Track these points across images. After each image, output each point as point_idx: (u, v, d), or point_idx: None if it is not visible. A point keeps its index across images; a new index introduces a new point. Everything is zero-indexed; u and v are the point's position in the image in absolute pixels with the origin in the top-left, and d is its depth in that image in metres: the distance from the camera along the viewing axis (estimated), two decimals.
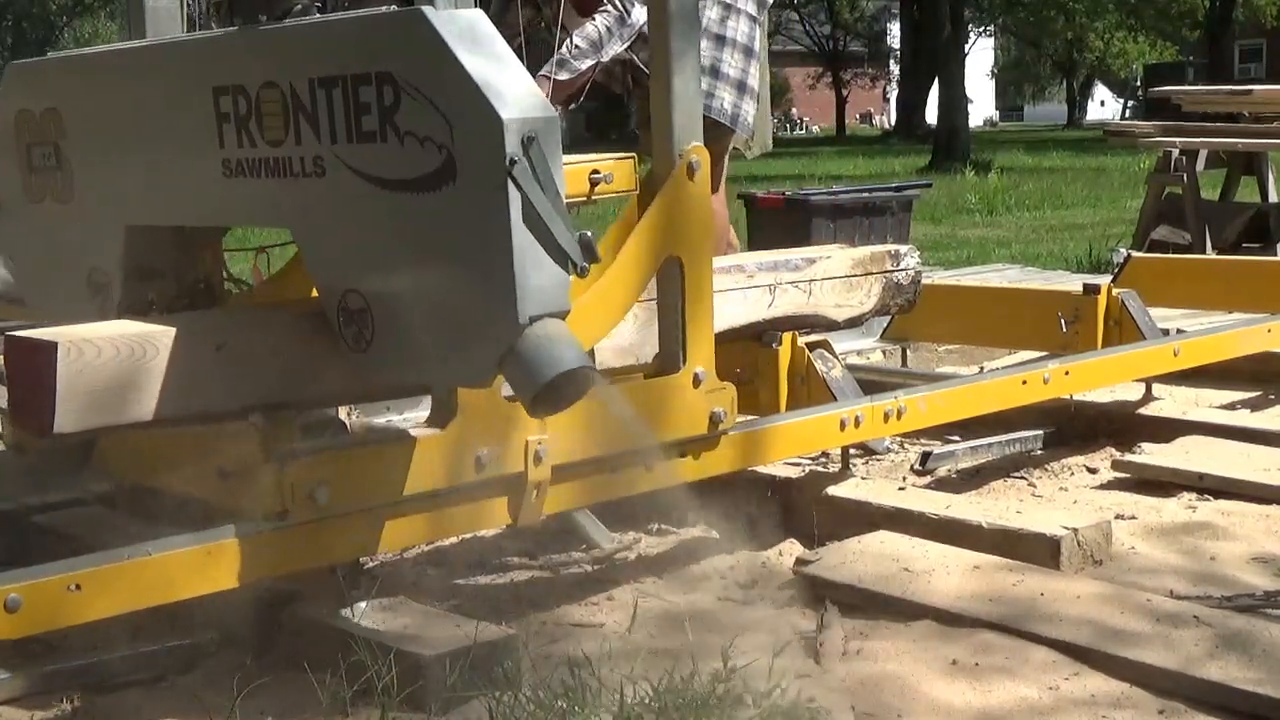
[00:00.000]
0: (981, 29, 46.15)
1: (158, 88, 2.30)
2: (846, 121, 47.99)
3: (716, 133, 4.35)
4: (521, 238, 1.83)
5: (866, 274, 3.23)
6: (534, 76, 4.02)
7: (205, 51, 2.26)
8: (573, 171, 2.70)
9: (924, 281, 3.41)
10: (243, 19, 2.17)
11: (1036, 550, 2.62)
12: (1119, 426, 3.71)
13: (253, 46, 2.14)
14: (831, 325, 3.21)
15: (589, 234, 1.87)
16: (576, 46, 4.12)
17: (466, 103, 1.84)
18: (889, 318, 3.96)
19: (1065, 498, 3.23)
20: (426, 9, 1.87)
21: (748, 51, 4.39)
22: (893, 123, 43.35)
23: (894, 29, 47.85)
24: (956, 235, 10.78)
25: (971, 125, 28.26)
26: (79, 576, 1.91)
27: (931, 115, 29.80)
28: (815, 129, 50.29)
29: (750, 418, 2.90)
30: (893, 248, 3.37)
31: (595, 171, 2.65)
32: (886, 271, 3.27)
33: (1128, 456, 3.35)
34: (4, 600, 1.84)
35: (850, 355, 4.31)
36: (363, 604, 2.25)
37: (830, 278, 3.16)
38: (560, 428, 2.25)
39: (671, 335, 2.49)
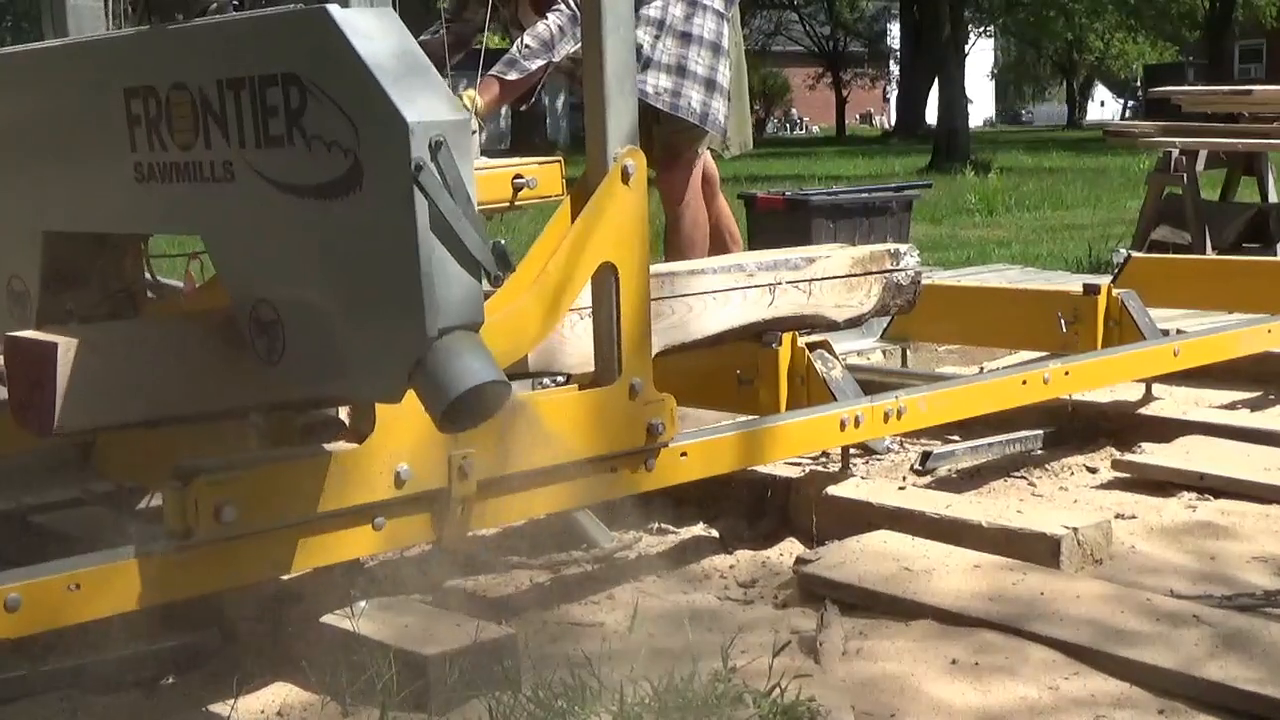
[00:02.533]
0: (981, 29, 46.13)
1: (71, 89, 2.23)
2: (846, 121, 47.98)
3: (689, 132, 4.33)
4: (429, 247, 1.76)
5: (866, 274, 3.23)
6: (484, 77, 3.99)
7: (116, 51, 2.18)
8: (495, 176, 2.68)
9: (924, 281, 3.41)
10: (159, 17, 2.10)
11: (1037, 550, 2.62)
12: (1119, 426, 3.71)
13: (161, 46, 2.06)
14: (831, 325, 3.21)
15: (503, 242, 1.81)
16: (527, 46, 4.04)
17: (371, 105, 1.77)
18: (889, 318, 3.96)
19: (1065, 497, 3.23)
20: (331, 7, 1.80)
21: (715, 49, 4.32)
22: (893, 123, 43.36)
23: (894, 29, 47.86)
24: (956, 235, 10.78)
25: (971, 125, 28.26)
26: (79, 576, 1.89)
27: (931, 115, 29.80)
28: (815, 129, 50.30)
29: (750, 418, 2.91)
30: (892, 247, 3.37)
31: (518, 176, 2.60)
32: (886, 271, 3.27)
33: (1128, 456, 3.35)
34: (4, 600, 1.83)
35: (850, 355, 4.30)
36: (363, 604, 2.24)
37: (830, 277, 3.16)
38: (488, 441, 2.17)
39: (606, 345, 2.41)
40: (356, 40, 1.77)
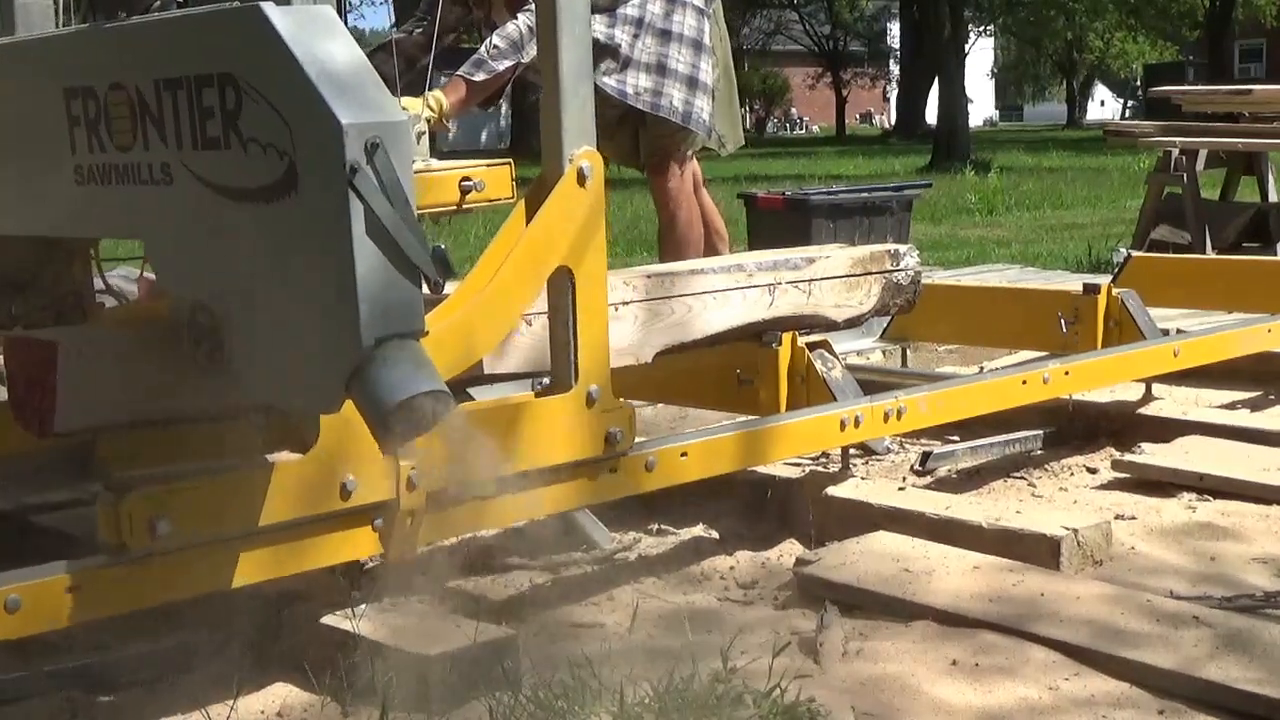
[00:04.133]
0: (981, 29, 46.13)
1: (11, 88, 2.19)
2: (846, 121, 48.00)
3: (675, 135, 4.28)
4: (365, 252, 1.71)
5: (866, 274, 3.23)
6: (451, 77, 3.95)
7: (56, 51, 2.14)
8: (441, 178, 2.65)
9: (924, 281, 3.41)
10: (104, 15, 2.05)
11: (1036, 550, 2.61)
12: (1119, 426, 3.71)
13: (100, 45, 2.02)
14: (831, 325, 3.21)
15: (444, 248, 1.79)
16: (495, 47, 3.98)
17: (305, 106, 1.72)
18: (889, 318, 3.96)
19: (1065, 498, 3.23)
20: (266, 5, 1.75)
21: (697, 46, 4.25)
22: (893, 123, 43.36)
23: (894, 29, 47.88)
24: (956, 235, 10.78)
25: (971, 125, 28.26)
26: (80, 576, 1.89)
27: (931, 115, 29.81)
28: (815, 129, 50.32)
29: (750, 418, 2.91)
30: (892, 247, 3.37)
31: (466, 179, 2.57)
32: (886, 271, 3.27)
33: (1128, 456, 3.35)
34: (4, 600, 1.83)
35: (850, 355, 4.30)
36: (363, 604, 2.24)
37: (830, 277, 3.16)
38: (438, 452, 2.10)
39: (562, 351, 2.34)
40: (291, 39, 1.73)
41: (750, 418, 2.91)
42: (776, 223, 7.22)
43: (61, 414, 1.97)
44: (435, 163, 2.84)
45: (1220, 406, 3.96)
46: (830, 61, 48.57)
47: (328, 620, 2.22)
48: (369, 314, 1.71)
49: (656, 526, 3.05)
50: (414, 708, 2.01)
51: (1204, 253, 7.15)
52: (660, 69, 4.19)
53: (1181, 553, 2.77)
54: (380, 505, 2.10)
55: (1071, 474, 3.43)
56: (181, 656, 2.28)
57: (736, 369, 3.07)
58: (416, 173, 2.83)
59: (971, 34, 41.51)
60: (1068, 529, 2.64)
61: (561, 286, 2.31)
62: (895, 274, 3.28)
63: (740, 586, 2.69)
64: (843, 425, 2.84)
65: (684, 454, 2.56)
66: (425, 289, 1.78)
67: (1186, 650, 2.15)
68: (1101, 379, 3.58)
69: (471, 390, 2.65)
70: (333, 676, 2.09)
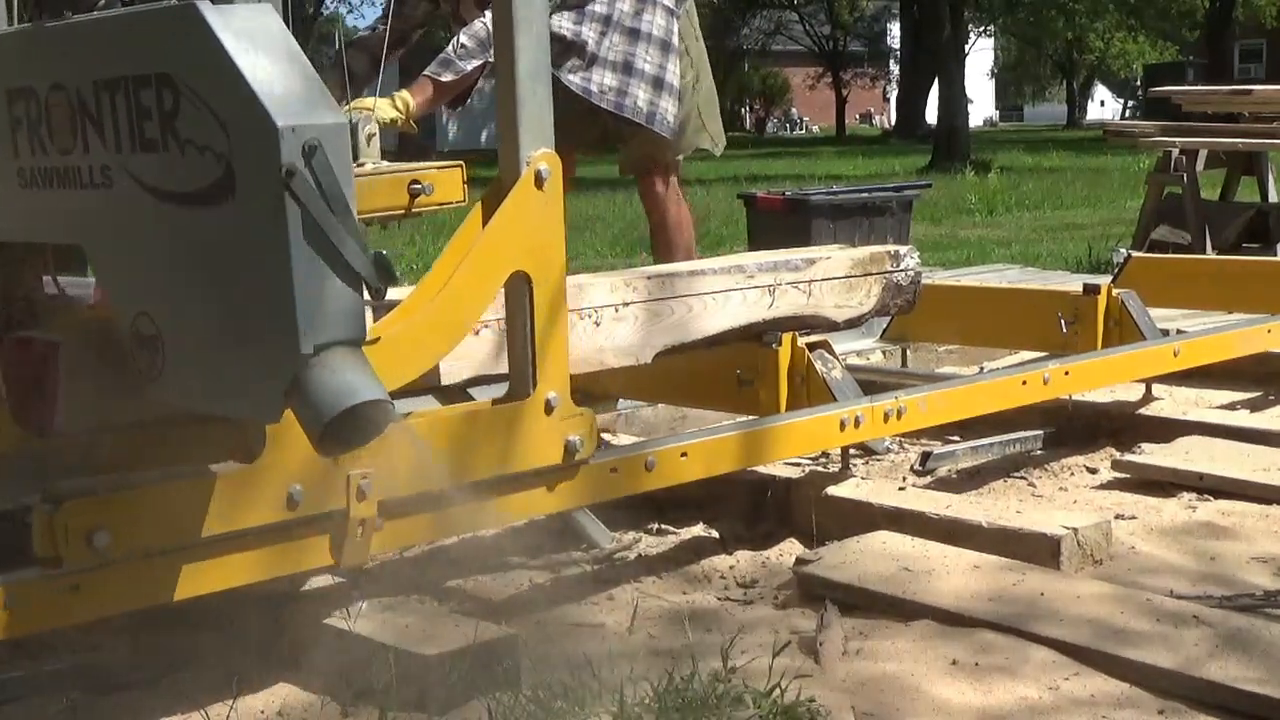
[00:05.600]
0: (981, 29, 46.15)
1: None
2: (846, 121, 47.99)
3: (658, 143, 4.21)
4: (302, 258, 1.67)
5: (866, 274, 3.23)
6: (418, 77, 3.91)
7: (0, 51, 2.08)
8: (389, 181, 2.61)
9: (924, 281, 3.41)
10: (50, 14, 1.99)
11: (1037, 550, 2.62)
12: (1119, 426, 3.71)
13: (41, 45, 1.96)
14: (831, 326, 3.21)
15: (385, 253, 1.73)
16: (463, 45, 3.88)
17: (242, 108, 1.67)
18: (889, 318, 3.97)
19: (1065, 498, 3.23)
20: (202, 3, 1.70)
21: (665, 46, 4.16)
22: (893, 123, 43.37)
23: (894, 29, 47.88)
24: (956, 235, 10.79)
25: (971, 125, 28.27)
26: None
27: (931, 115, 29.81)
28: (815, 129, 50.31)
29: (750, 418, 2.91)
30: (892, 248, 3.37)
31: (415, 182, 2.53)
32: (886, 272, 3.27)
33: (1128, 456, 3.35)
34: (2, 599, 1.83)
35: (850, 355, 4.30)
36: (363, 604, 2.24)
37: (830, 278, 3.16)
38: (389, 460, 2.06)
39: (520, 357, 2.28)
40: (227, 38, 1.69)
41: (750, 418, 2.91)
42: (776, 223, 7.22)
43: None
44: (385, 165, 2.80)
45: (1220, 406, 3.96)
46: (830, 62, 48.56)
47: (328, 620, 2.22)
48: (307, 321, 1.67)
49: (656, 526, 3.05)
50: (414, 708, 2.01)
51: (1204, 253, 7.15)
52: (626, 68, 4.10)
53: (1181, 552, 2.77)
54: (329, 515, 2.05)
55: (1071, 474, 3.43)
56: (181, 656, 2.29)
57: (736, 369, 3.07)
58: (362, 175, 2.80)
59: (971, 34, 41.57)
60: (1068, 528, 2.64)
61: (519, 292, 2.26)
62: (895, 274, 3.29)
63: (740, 586, 2.69)
64: (843, 425, 2.84)
65: (684, 454, 2.56)
66: (367, 295, 1.74)
67: (1187, 650, 2.15)
68: (1101, 379, 3.58)
69: (472, 391, 2.66)
70: (333, 676, 2.09)
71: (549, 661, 2.20)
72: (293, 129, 1.65)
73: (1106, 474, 3.36)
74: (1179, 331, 4.07)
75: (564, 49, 3.94)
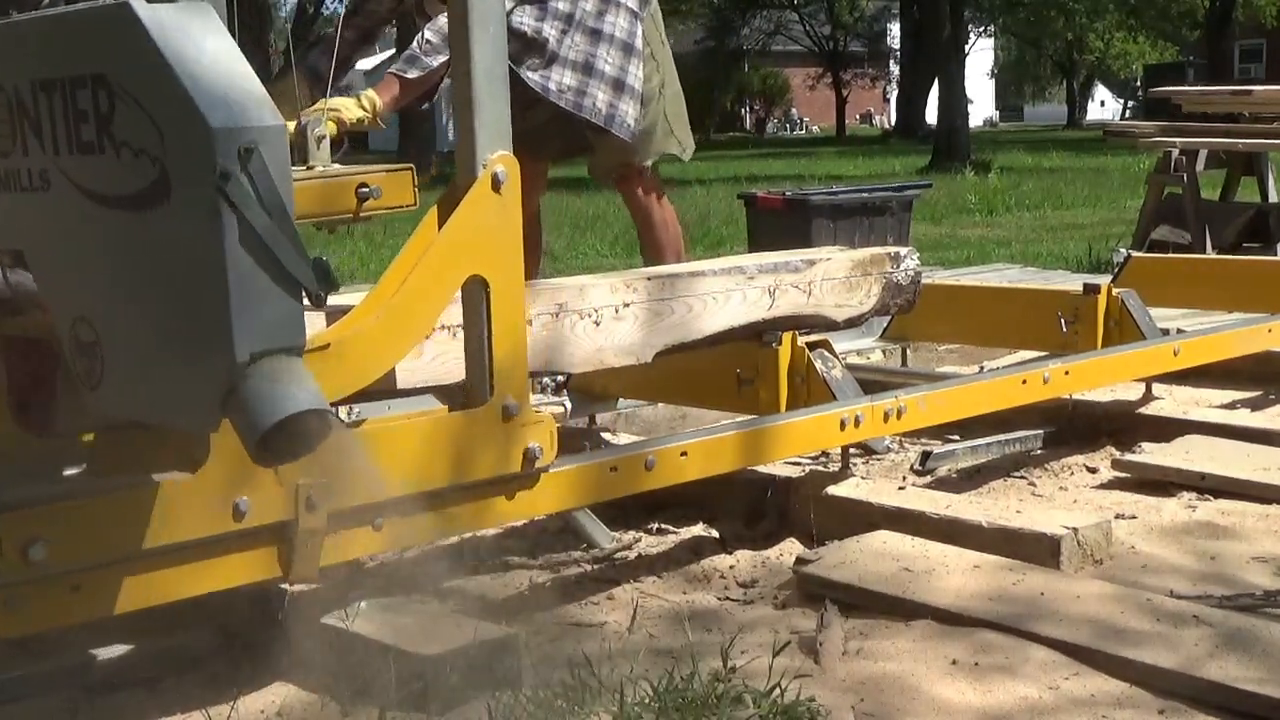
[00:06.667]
0: (981, 29, 46.16)
1: None
2: (846, 121, 47.99)
3: (624, 149, 4.15)
4: (238, 263, 1.62)
5: (866, 274, 3.23)
6: (384, 75, 3.85)
7: None
8: (336, 185, 2.57)
9: (924, 281, 3.41)
10: None
11: (1037, 550, 2.62)
12: (1119, 426, 3.71)
13: None
14: (832, 325, 3.21)
15: (325, 258, 1.70)
16: (428, 41, 3.81)
17: (176, 109, 1.63)
18: (889, 318, 3.97)
19: (1065, 497, 3.23)
20: (137, 2, 1.66)
21: (627, 49, 4.08)
22: (893, 123, 43.38)
23: (894, 29, 47.89)
24: (956, 235, 10.79)
25: (971, 125, 28.28)
26: (81, 576, 1.87)
27: (931, 115, 29.82)
28: (815, 129, 50.30)
29: (750, 418, 2.91)
30: (892, 249, 3.37)
31: (363, 185, 2.48)
32: (886, 272, 3.27)
33: (1128, 456, 3.35)
34: (4, 598, 1.82)
35: (850, 355, 4.31)
36: (363, 604, 2.24)
37: (830, 278, 3.16)
38: (340, 470, 2.00)
39: (477, 364, 2.23)
40: (161, 38, 1.64)
41: (750, 417, 2.91)
42: (776, 223, 7.22)
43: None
44: (337, 167, 2.75)
45: (1220, 406, 3.96)
46: (830, 62, 48.56)
47: (328, 620, 2.22)
48: (243, 328, 1.63)
49: (656, 526, 3.05)
50: (414, 708, 2.01)
51: (1204, 253, 7.15)
52: (587, 68, 4.02)
53: (1182, 552, 2.77)
54: (278, 526, 2.01)
55: (1071, 473, 3.43)
56: (181, 656, 2.29)
57: (736, 369, 3.07)
58: (308, 178, 2.75)
59: (971, 34, 41.58)
60: (1068, 528, 2.64)
61: (475, 296, 2.22)
62: (895, 274, 3.29)
63: (740, 586, 2.69)
64: (843, 425, 2.84)
65: (684, 454, 2.56)
66: (306, 302, 1.69)
67: (1187, 649, 2.15)
68: (1101, 379, 3.58)
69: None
70: (333, 676, 2.09)
71: (549, 661, 2.20)
72: (228, 131, 1.61)
73: (1107, 474, 3.36)
74: (1179, 331, 4.07)
75: (524, 46, 3.88)
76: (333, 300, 1.79)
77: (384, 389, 2.31)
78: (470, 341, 2.25)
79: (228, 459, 1.91)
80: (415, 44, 3.86)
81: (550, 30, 3.97)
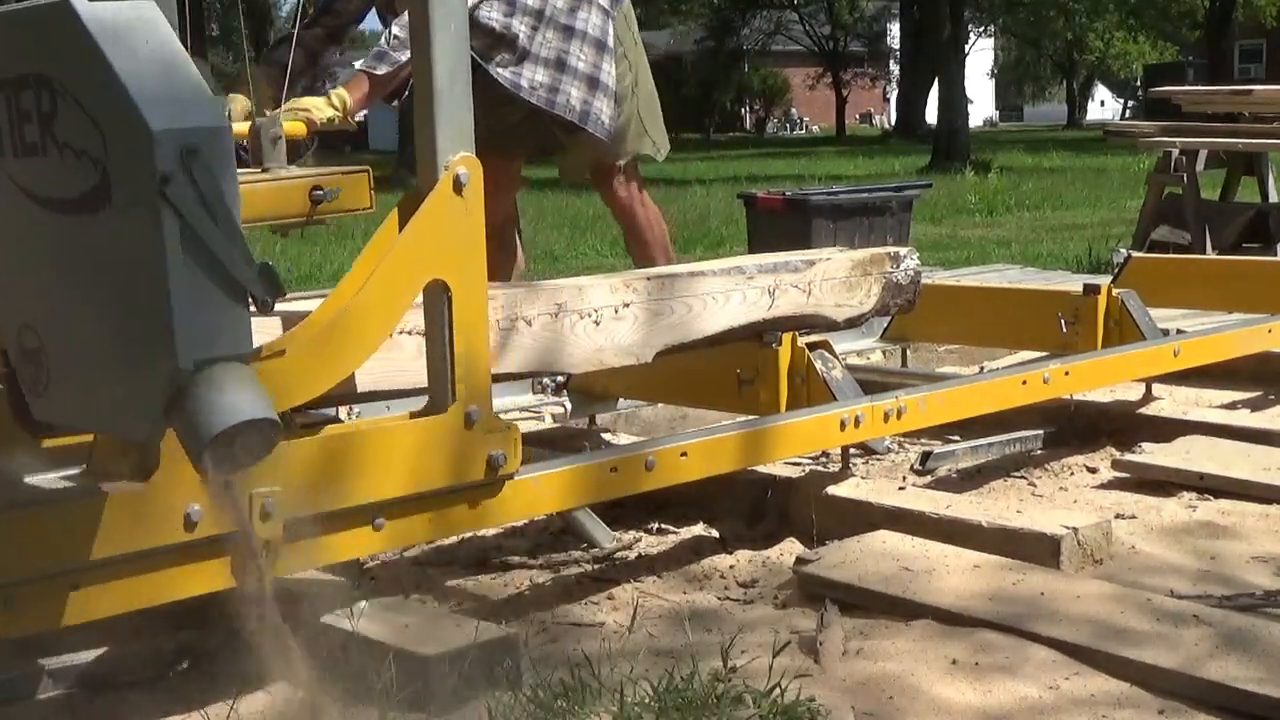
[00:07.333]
0: (981, 29, 46.18)
1: None
2: (846, 121, 48.01)
3: (598, 147, 4.12)
4: (179, 269, 1.58)
5: (866, 274, 3.23)
6: (354, 73, 3.81)
7: None
8: (289, 187, 2.50)
9: (924, 281, 3.42)
10: None
11: (1037, 550, 2.62)
12: (1119, 426, 3.71)
13: None
14: (832, 325, 3.21)
15: (271, 263, 1.66)
16: (395, 37, 3.75)
17: (117, 110, 1.59)
18: (889, 318, 3.97)
19: (1065, 497, 3.23)
20: (78, 1, 1.63)
21: (600, 46, 4.04)
22: (893, 123, 43.38)
23: (894, 29, 47.90)
24: (956, 235, 10.79)
25: (971, 125, 28.28)
26: (82, 576, 1.86)
27: (931, 115, 29.82)
28: (815, 129, 50.32)
29: (750, 418, 2.91)
30: (892, 250, 3.37)
31: (317, 188, 2.43)
32: (886, 272, 3.27)
33: (1128, 456, 3.35)
34: (3, 598, 1.82)
35: (850, 355, 4.31)
36: (363, 604, 2.24)
37: (830, 278, 3.16)
38: (296, 478, 1.98)
39: (439, 370, 2.18)
40: (102, 37, 1.60)
41: (750, 418, 2.91)
42: (776, 223, 7.23)
43: None
44: (292, 169, 2.70)
45: (1220, 406, 3.96)
46: (830, 62, 48.57)
47: (328, 620, 2.22)
48: (186, 335, 1.60)
49: (656, 526, 3.05)
50: (414, 708, 2.01)
51: (1204, 253, 7.15)
52: (559, 65, 3.98)
53: (1182, 552, 2.77)
54: (230, 536, 1.96)
55: (1071, 473, 3.43)
56: (182, 656, 2.29)
57: (736, 369, 3.07)
58: (260, 180, 2.71)
59: (971, 34, 41.60)
60: (1068, 528, 2.64)
61: (436, 301, 2.17)
62: (895, 274, 3.29)
63: (740, 586, 2.69)
64: (843, 425, 2.84)
65: (684, 454, 2.56)
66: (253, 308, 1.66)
67: (1187, 649, 2.15)
68: (1101, 379, 3.58)
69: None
70: (333, 676, 2.09)
71: (549, 661, 2.20)
72: (169, 133, 1.57)
73: (1107, 474, 3.36)
74: (1179, 331, 4.07)
75: (494, 41, 3.84)
76: (297, 305, 1.76)
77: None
78: (432, 347, 2.21)
79: (179, 467, 1.82)
80: (383, 40, 3.81)
81: (520, 26, 3.92)
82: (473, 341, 2.19)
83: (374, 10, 4.16)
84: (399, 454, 2.13)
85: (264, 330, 2.10)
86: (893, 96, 51.24)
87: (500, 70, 3.89)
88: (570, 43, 4.00)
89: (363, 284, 2.08)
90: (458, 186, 2.14)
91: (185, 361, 1.60)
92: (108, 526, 1.85)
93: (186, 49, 1.72)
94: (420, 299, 2.17)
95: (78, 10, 1.62)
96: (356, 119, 3.70)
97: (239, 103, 3.37)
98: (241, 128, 2.85)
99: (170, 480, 1.87)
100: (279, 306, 1.88)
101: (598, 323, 2.71)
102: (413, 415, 2.21)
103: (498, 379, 2.58)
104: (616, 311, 2.74)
